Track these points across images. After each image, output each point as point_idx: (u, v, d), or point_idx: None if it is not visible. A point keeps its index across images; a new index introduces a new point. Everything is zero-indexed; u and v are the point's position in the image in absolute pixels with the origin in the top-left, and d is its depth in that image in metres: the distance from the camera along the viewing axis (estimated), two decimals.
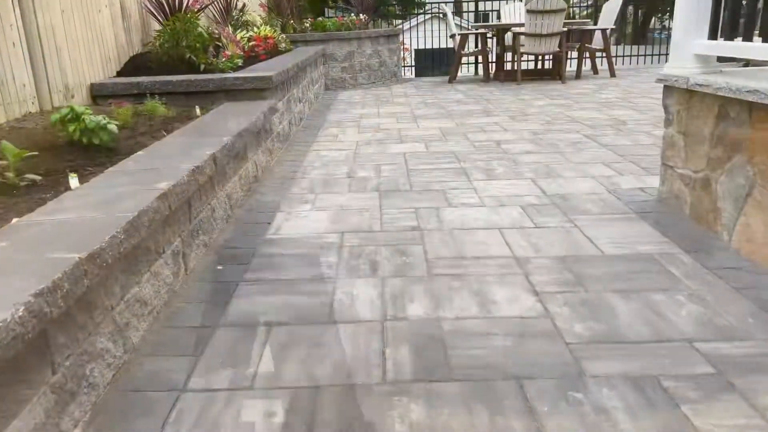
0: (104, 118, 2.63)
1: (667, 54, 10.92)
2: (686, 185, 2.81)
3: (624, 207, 2.99)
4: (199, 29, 4.63)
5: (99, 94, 4.03)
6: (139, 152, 2.61)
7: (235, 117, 3.51)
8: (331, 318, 1.96)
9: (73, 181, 2.16)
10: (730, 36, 2.63)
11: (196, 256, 2.41)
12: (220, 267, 2.38)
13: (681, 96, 2.81)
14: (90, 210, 1.78)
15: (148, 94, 3.92)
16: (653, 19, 31.63)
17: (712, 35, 2.70)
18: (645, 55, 11.07)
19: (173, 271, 2.13)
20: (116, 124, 2.71)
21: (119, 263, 1.69)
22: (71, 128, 2.58)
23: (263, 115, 3.65)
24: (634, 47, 12.70)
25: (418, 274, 2.29)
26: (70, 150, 2.61)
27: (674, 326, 1.85)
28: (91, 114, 2.63)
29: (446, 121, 5.64)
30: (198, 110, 3.70)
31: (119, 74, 4.46)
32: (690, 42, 2.77)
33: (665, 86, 2.95)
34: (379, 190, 3.43)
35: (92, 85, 4.01)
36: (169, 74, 4.37)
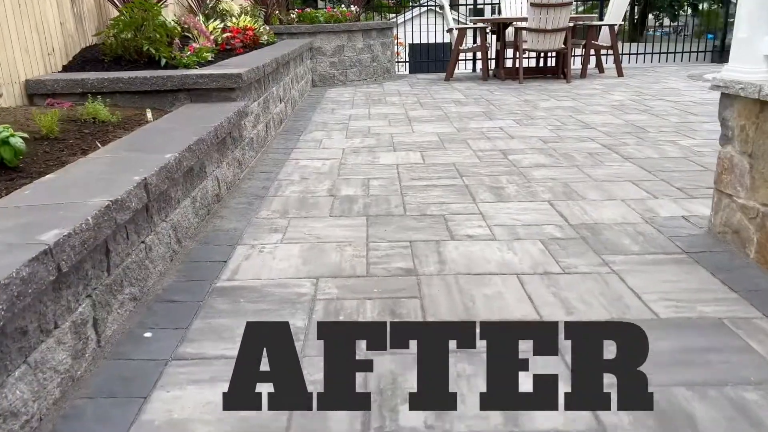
0: (6, 129, 2.01)
1: (669, 53, 10.41)
2: (750, 220, 2.24)
3: (669, 244, 2.41)
4: (161, 18, 4.00)
5: (36, 93, 3.40)
6: (50, 175, 1.99)
7: (194, 123, 2.90)
8: None
9: None
10: None
11: (118, 317, 1.80)
12: (148, 334, 1.78)
13: (747, 108, 2.23)
14: None
15: (90, 94, 3.29)
16: (650, 15, 31.11)
17: None
18: (652, 53, 10.46)
19: (74, 350, 1.53)
20: (24, 137, 2.09)
21: None
22: None
23: (228, 121, 3.04)
24: (633, 45, 12.08)
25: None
26: None
27: None
28: None
29: (444, 125, 5.04)
30: (149, 114, 3.09)
31: (66, 69, 3.83)
32: (761, 40, 2.18)
33: (723, 95, 2.36)
34: (367, 215, 2.84)
35: (27, 81, 3.38)
36: (124, 70, 3.75)
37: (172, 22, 4.47)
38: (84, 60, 3.93)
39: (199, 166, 2.68)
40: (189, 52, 3.99)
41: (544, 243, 2.44)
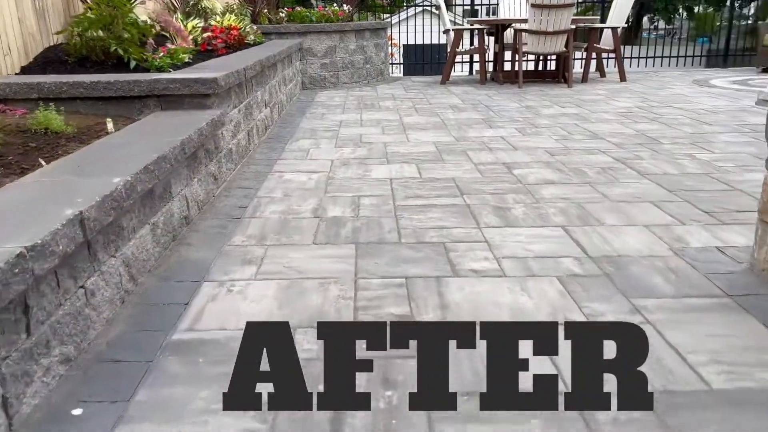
0: None
1: (671, 57, 10.08)
2: None
3: (707, 283, 2.07)
4: (132, 15, 3.63)
5: None
6: None
7: (158, 136, 2.54)
8: None
9: None
10: None
11: (43, 386, 1.44)
12: (77, 411, 1.42)
13: None
14: None
15: (47, 100, 2.93)
16: (644, 18, 30.91)
17: None
18: (654, 57, 10.16)
19: None
20: None
21: None
22: None
23: (200, 133, 2.68)
24: (629, 48, 11.78)
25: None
26: None
27: None
28: None
29: (442, 134, 4.70)
30: (110, 125, 2.72)
31: (25, 71, 3.47)
32: None
33: None
34: (356, 242, 2.49)
35: None
36: (89, 72, 3.39)
37: (148, 20, 4.11)
38: (46, 61, 3.56)
39: (163, 187, 2.31)
40: (162, 54, 3.62)
41: (561, 281, 2.09)
